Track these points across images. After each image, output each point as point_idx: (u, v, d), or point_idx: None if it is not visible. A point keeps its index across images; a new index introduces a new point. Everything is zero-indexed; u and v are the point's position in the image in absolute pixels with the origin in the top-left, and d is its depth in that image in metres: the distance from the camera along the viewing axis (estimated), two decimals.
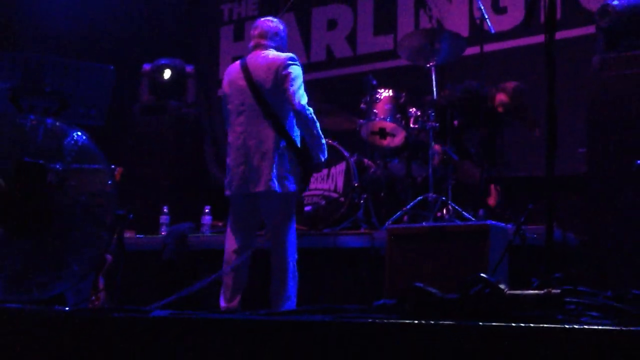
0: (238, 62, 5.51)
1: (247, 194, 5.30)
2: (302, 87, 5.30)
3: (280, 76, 5.27)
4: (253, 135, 5.27)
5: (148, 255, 6.77)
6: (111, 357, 2.97)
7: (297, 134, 5.32)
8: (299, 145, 5.30)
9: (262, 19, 5.65)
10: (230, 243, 5.44)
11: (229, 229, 5.53)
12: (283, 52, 5.47)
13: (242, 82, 5.36)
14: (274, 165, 5.19)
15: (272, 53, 5.42)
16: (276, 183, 5.18)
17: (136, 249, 6.67)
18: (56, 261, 3.99)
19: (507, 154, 6.93)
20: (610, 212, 5.64)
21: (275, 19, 5.63)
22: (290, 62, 5.32)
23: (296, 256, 5.35)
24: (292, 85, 5.24)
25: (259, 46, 5.45)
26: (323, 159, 5.33)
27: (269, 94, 5.28)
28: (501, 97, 6.52)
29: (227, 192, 5.42)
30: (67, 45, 7.42)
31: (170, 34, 9.12)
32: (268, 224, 5.43)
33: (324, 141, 5.33)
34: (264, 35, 5.48)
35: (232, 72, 5.49)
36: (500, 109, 6.48)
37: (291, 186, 5.25)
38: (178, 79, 7.96)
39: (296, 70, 5.30)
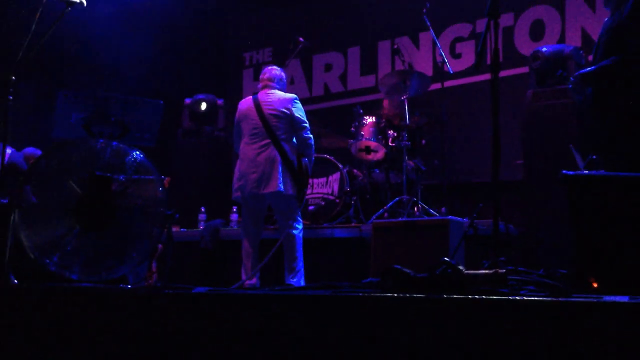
0: (250, 97, 5.53)
1: (258, 195, 5.29)
2: (306, 119, 5.40)
3: (288, 111, 5.31)
4: (263, 152, 5.28)
5: (189, 245, 6.75)
6: (162, 324, 2.96)
7: (293, 153, 5.33)
8: (294, 161, 5.32)
9: (269, 67, 5.70)
10: (246, 235, 5.45)
11: (243, 224, 5.55)
12: (284, 92, 5.52)
13: (254, 113, 5.38)
14: (280, 174, 5.20)
15: (278, 93, 5.46)
16: (282, 186, 5.19)
17: (180, 240, 6.65)
18: (119, 250, 3.97)
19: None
20: (541, 209, 5.63)
21: (278, 68, 5.68)
22: (296, 101, 5.41)
23: (302, 241, 5.34)
24: (301, 122, 5.36)
25: (267, 87, 5.50)
26: (306, 161, 5.41)
27: (275, 122, 5.31)
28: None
29: (238, 194, 5.41)
30: (128, 83, 7.41)
31: (206, 75, 9.13)
32: (279, 219, 5.43)
33: (313, 159, 5.45)
34: (272, 79, 5.53)
35: (246, 105, 5.50)
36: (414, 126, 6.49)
37: (291, 190, 5.26)
38: (211, 110, 7.95)
39: (301, 108, 5.42)
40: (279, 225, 5.45)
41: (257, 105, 5.39)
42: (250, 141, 5.36)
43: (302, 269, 5.29)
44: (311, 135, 5.41)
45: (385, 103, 6.91)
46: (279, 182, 5.18)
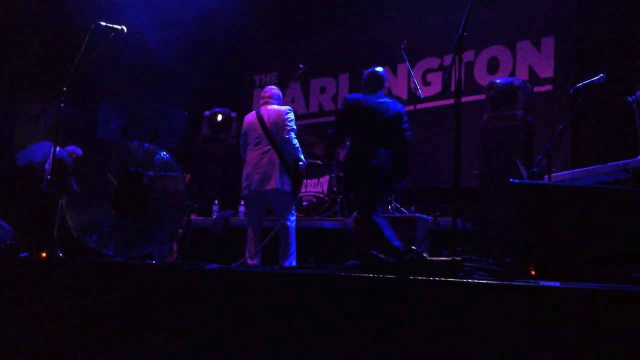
0: (254, 112, 5.51)
1: (261, 191, 5.28)
2: (294, 126, 5.30)
3: (283, 119, 5.28)
4: (265, 156, 5.26)
5: (204, 230, 6.73)
6: (182, 294, 2.96)
7: (290, 157, 5.29)
8: (290, 163, 5.28)
9: (269, 87, 5.68)
10: (250, 224, 5.44)
11: (248, 216, 5.54)
12: (281, 105, 5.50)
13: (257, 125, 5.37)
14: (278, 174, 5.18)
15: (275, 106, 5.43)
16: (280, 184, 5.16)
17: (197, 226, 6.63)
18: (147, 232, 3.96)
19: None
20: (492, 210, 5.66)
21: (276, 87, 5.67)
22: (289, 111, 5.35)
23: (295, 230, 5.32)
24: (288, 126, 5.26)
25: (267, 103, 5.48)
26: (301, 165, 5.26)
27: (275, 132, 5.29)
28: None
29: (245, 192, 5.39)
30: (159, 96, 7.38)
31: (223, 92, 9.12)
32: (277, 211, 5.39)
33: (302, 156, 5.29)
34: (272, 96, 5.52)
35: (251, 118, 5.48)
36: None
37: (287, 187, 5.20)
38: (226, 121, 7.93)
39: (292, 116, 5.33)
40: (277, 217, 5.43)
41: (260, 118, 5.39)
42: (255, 148, 5.36)
43: (294, 253, 5.27)
44: (294, 136, 5.25)
45: None
46: (278, 181, 5.17)
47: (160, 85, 7.87)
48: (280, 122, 5.30)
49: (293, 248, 5.26)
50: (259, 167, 5.27)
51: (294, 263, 5.21)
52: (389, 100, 5.01)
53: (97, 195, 3.94)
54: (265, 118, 5.36)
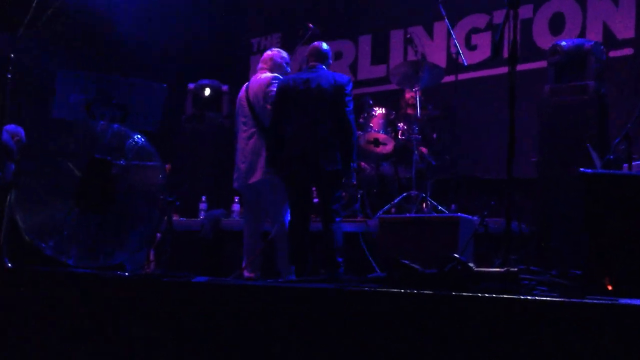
0: (246, 84, 5.51)
1: (247, 185, 5.29)
2: None
3: (264, 92, 5.26)
4: (250, 141, 5.27)
5: (188, 234, 6.75)
6: (161, 314, 2.97)
7: None
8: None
9: (267, 51, 5.65)
10: (245, 225, 5.45)
11: (243, 216, 5.56)
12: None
13: (245, 101, 5.38)
14: (264, 163, 5.17)
15: (264, 75, 5.39)
16: (267, 175, 5.16)
17: (180, 228, 6.65)
18: (118, 236, 3.98)
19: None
20: (555, 208, 5.62)
21: (276, 49, 5.64)
22: (273, 81, 5.27)
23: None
24: (270, 99, 5.21)
25: (259, 70, 5.47)
26: None
27: (259, 109, 5.28)
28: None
29: (235, 185, 5.41)
30: (131, 65, 7.40)
31: (211, 60, 9.11)
32: (268, 209, 5.37)
33: None
34: (262, 61, 5.52)
35: (241, 92, 5.49)
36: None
37: (277, 179, 5.14)
38: (216, 96, 7.94)
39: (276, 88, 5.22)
40: (270, 217, 5.42)
41: (247, 92, 5.38)
42: (242, 130, 5.37)
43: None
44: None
45: (408, 94, 6.87)
46: (265, 171, 5.16)
47: (134, 51, 7.89)
48: (261, 95, 5.27)
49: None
50: (245, 154, 5.30)
51: (293, 276, 5.19)
52: (323, 72, 5.04)
53: (54, 189, 3.96)
54: (250, 91, 5.35)
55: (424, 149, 6.42)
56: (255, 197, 5.38)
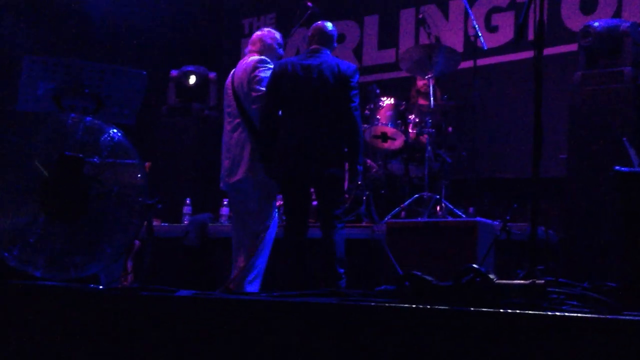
0: (233, 70, 5.51)
1: (230, 184, 5.29)
2: (263, 88, 5.18)
3: (249, 77, 5.25)
4: (234, 134, 5.28)
5: (171, 241, 6.76)
6: (140, 332, 2.97)
7: None
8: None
9: (257, 31, 5.66)
10: (233, 231, 5.46)
11: (231, 222, 5.58)
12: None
13: (230, 89, 5.37)
14: (248, 160, 5.17)
15: (250, 58, 5.38)
16: (249, 173, 5.15)
17: (160, 235, 6.66)
18: (91, 244, 3.97)
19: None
20: (586, 212, 5.63)
21: (266, 29, 5.61)
22: (261, 63, 5.26)
23: (272, 240, 5.30)
24: (256, 86, 5.20)
25: (248, 54, 5.46)
26: None
27: (244, 96, 5.27)
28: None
29: (221, 184, 5.42)
30: (105, 50, 7.40)
31: (196, 43, 9.12)
32: (251, 210, 5.36)
33: None
34: (251, 42, 5.51)
35: (228, 79, 5.49)
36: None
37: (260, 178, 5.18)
38: (202, 84, 7.97)
39: (264, 71, 5.23)
40: (254, 219, 5.39)
41: (232, 78, 5.38)
42: (226, 122, 5.37)
43: (260, 273, 5.22)
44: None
45: (420, 82, 6.88)
46: (247, 169, 5.15)
47: (109, 35, 7.89)
48: (246, 81, 5.26)
49: (258, 266, 5.20)
50: (228, 149, 5.30)
51: (257, 288, 5.16)
52: (326, 58, 5.03)
53: (18, 191, 3.96)
54: (235, 77, 5.34)
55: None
56: (242, 198, 5.35)
